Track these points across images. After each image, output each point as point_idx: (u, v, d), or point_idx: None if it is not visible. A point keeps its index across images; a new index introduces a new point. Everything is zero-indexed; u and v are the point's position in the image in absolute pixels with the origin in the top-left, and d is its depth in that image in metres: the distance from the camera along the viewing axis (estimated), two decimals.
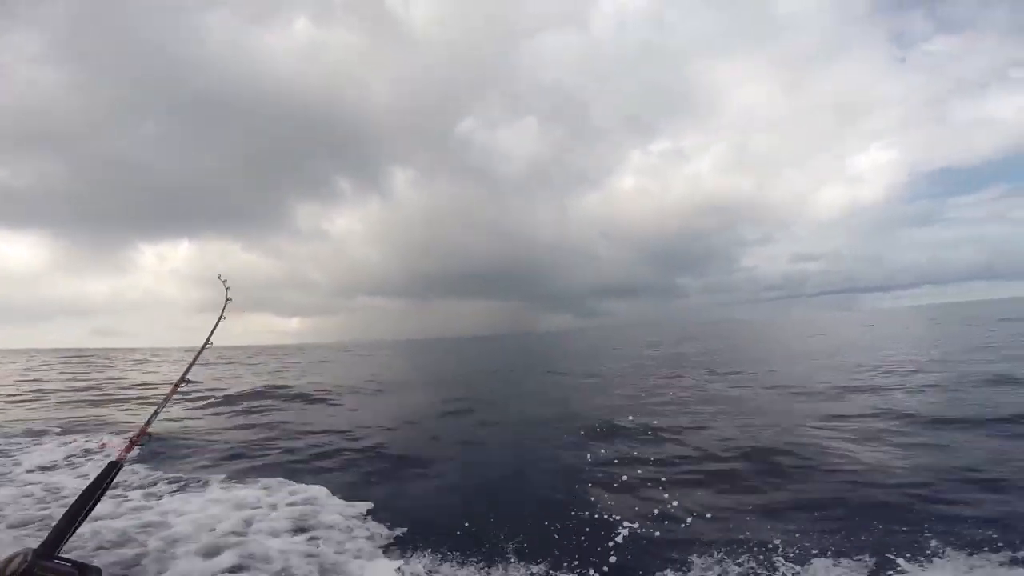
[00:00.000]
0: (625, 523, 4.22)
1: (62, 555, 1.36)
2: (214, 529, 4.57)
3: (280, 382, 17.72)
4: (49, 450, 7.84)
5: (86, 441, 8.43)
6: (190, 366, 2.51)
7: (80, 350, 77.70)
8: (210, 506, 5.16)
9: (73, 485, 5.96)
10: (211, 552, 4.13)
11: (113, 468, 1.65)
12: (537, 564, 3.90)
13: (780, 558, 3.81)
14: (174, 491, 5.78)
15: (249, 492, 5.58)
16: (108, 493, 1.64)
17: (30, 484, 6.06)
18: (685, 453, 6.76)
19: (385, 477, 6.47)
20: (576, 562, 3.86)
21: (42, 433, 9.08)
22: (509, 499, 5.46)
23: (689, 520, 4.46)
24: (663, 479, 5.44)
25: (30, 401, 14.18)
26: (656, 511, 4.63)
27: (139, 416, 10.88)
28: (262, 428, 9.68)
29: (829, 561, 3.75)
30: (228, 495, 5.50)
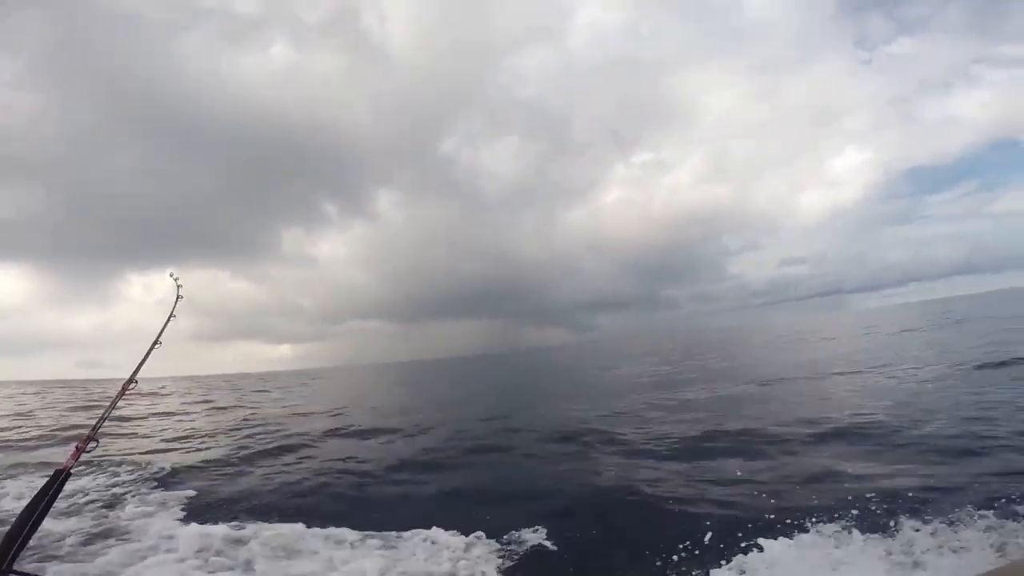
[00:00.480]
0: None
1: (17, 569, 1.33)
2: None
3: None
4: None
5: None
6: (139, 366, 2.43)
7: (65, 381, 75.34)
8: None
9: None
10: None
11: (60, 476, 1.59)
12: None
13: None
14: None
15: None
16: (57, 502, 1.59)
17: None
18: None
19: None
20: None
21: None
22: None
23: None
24: None
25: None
26: None
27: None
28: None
29: None
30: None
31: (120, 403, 2.22)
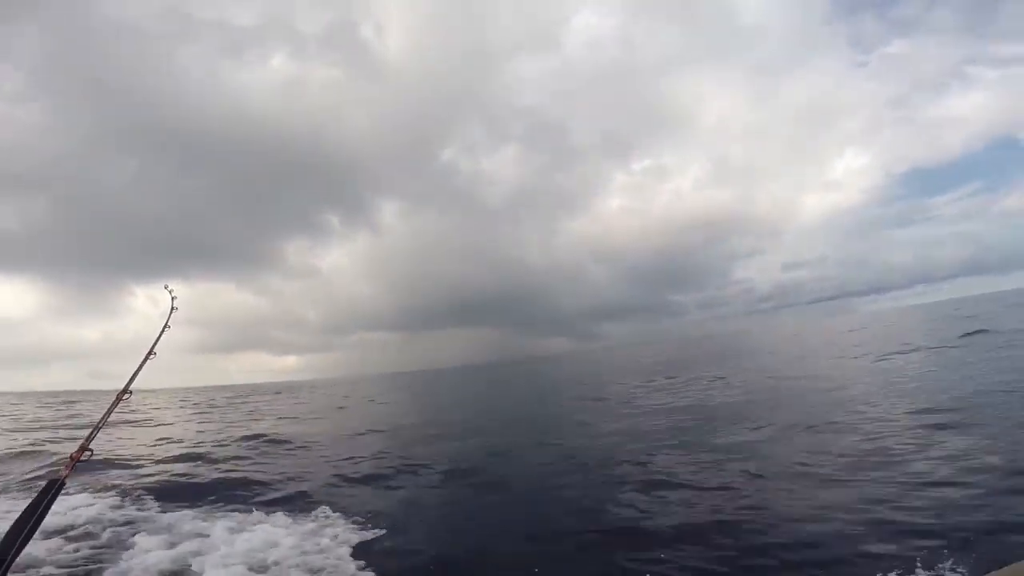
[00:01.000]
0: None
1: None
2: None
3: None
4: None
5: None
6: (133, 377, 2.45)
7: (72, 392, 75.76)
8: None
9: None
10: None
11: (54, 486, 1.58)
12: None
13: None
14: None
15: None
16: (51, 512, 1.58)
17: None
18: None
19: None
20: None
21: None
22: None
23: None
24: None
25: None
26: None
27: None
28: None
29: None
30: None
31: (113, 414, 2.24)
